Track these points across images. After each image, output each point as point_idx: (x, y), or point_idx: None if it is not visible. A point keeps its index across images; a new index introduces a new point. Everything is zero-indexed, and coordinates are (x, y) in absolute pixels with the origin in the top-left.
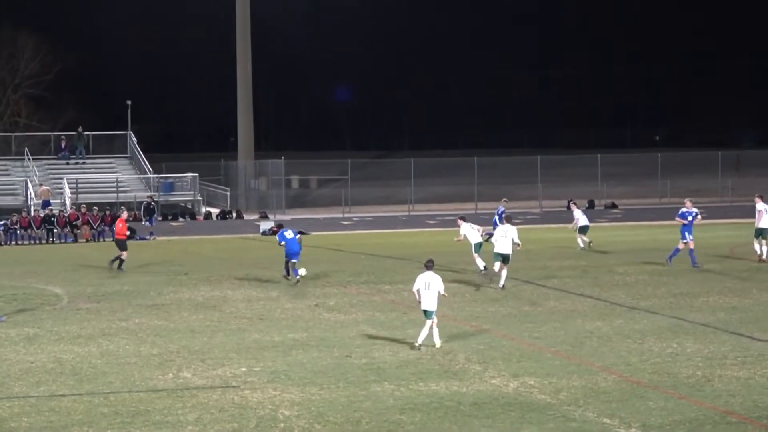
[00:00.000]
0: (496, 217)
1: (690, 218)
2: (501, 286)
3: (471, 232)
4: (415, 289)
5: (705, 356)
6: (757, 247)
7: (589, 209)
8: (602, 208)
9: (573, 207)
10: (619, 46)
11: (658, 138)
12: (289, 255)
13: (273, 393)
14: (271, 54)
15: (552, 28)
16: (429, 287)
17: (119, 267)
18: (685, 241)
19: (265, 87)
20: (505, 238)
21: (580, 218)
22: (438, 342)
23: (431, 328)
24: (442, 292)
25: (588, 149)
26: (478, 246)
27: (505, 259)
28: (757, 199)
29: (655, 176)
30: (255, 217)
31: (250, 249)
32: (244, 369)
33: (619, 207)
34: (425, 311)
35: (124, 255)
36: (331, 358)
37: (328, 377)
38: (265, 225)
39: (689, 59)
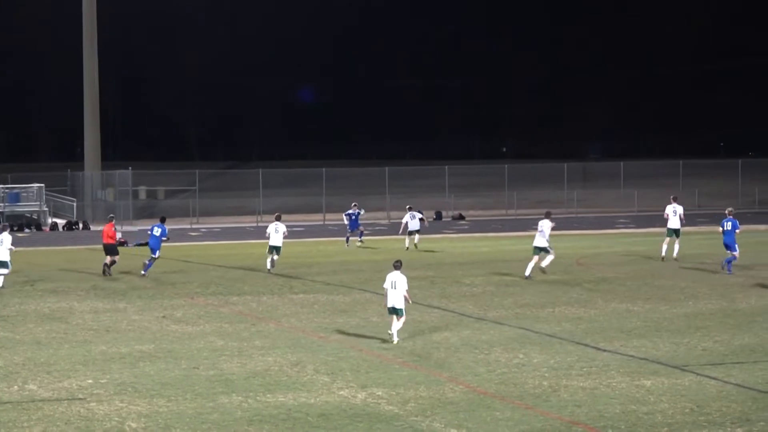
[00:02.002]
0: (345, 218)
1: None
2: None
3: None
4: (384, 286)
5: (551, 367)
6: (663, 247)
7: (437, 220)
8: (449, 219)
9: (408, 212)
10: (469, 58)
11: (505, 149)
12: (150, 249)
13: (120, 405)
14: (119, 63)
15: (404, 39)
16: (395, 286)
17: (108, 272)
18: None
19: (114, 96)
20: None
21: (410, 222)
22: (396, 339)
23: (396, 322)
24: (406, 293)
25: (436, 160)
26: None
27: (536, 251)
28: (672, 200)
29: (503, 188)
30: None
31: (96, 260)
32: (90, 381)
33: (467, 218)
34: (391, 308)
35: (116, 259)
36: (178, 369)
37: (175, 389)
38: None
39: (539, 72)
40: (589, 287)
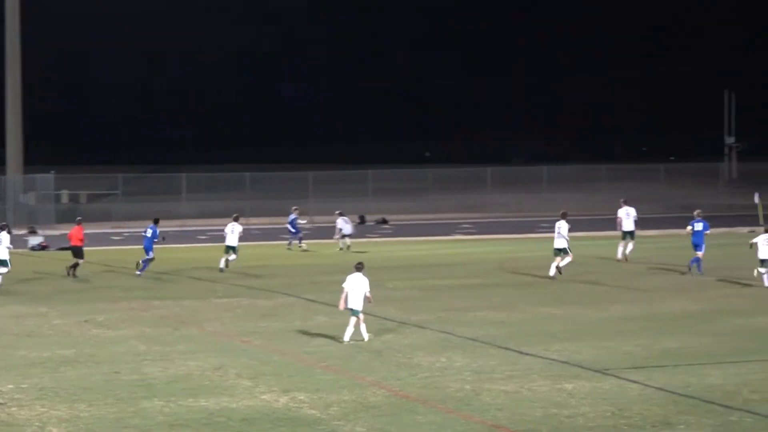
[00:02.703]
0: (289, 225)
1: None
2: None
3: None
4: (344, 286)
5: (473, 370)
6: (620, 249)
7: (361, 224)
8: (373, 223)
9: (341, 217)
10: (395, 61)
11: (428, 154)
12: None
13: (41, 410)
14: (43, 64)
15: (326, 41)
16: (355, 288)
17: (74, 274)
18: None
19: (38, 98)
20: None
21: (345, 227)
22: (366, 336)
23: (356, 325)
24: (368, 294)
25: (360, 165)
26: None
27: (557, 252)
28: (622, 204)
29: (426, 192)
30: (24, 232)
31: (18, 264)
32: (11, 386)
33: (390, 222)
34: (351, 309)
35: (81, 262)
36: (100, 374)
37: (96, 394)
38: (34, 240)
39: (464, 76)
40: (512, 291)
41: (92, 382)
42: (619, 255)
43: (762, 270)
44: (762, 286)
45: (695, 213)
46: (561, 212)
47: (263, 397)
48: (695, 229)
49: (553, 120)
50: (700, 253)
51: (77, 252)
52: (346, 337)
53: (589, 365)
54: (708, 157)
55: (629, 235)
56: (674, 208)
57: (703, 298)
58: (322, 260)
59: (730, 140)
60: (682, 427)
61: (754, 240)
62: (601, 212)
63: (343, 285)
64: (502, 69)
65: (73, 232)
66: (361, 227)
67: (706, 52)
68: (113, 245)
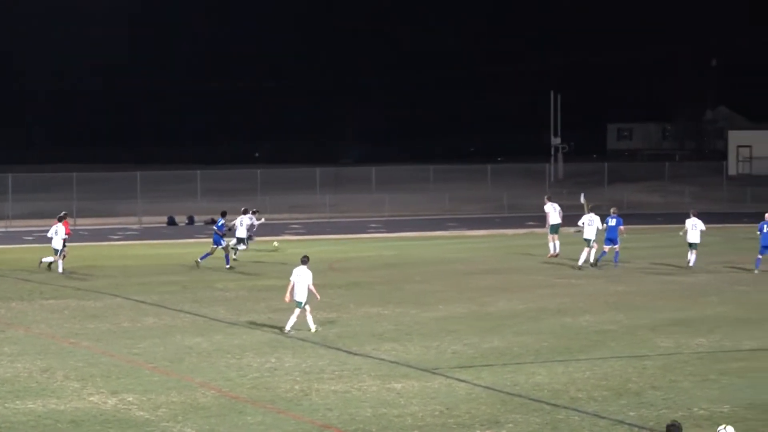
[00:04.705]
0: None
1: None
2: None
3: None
4: (291, 278)
5: (303, 370)
6: (551, 245)
7: (189, 225)
8: (202, 224)
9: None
10: (220, 63)
11: (258, 154)
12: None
13: None
14: None
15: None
16: (299, 280)
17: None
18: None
19: None
20: (591, 226)
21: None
22: (313, 327)
23: (299, 316)
24: (311, 286)
25: (189, 165)
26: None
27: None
28: (546, 200)
29: (255, 193)
30: None
31: None
32: None
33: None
34: (296, 301)
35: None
36: None
37: None
38: None
39: (294, 76)
40: (341, 291)
41: None
42: (551, 250)
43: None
44: (591, 284)
45: (611, 210)
46: (591, 206)
47: (91, 398)
48: (609, 224)
49: (385, 121)
50: (616, 247)
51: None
52: (288, 327)
53: (417, 365)
54: (535, 158)
55: (555, 230)
56: (502, 208)
57: (531, 298)
58: (151, 261)
59: (556, 141)
60: (510, 425)
61: (685, 227)
62: (429, 213)
63: (291, 278)
64: (337, 69)
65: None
66: (190, 228)
67: (536, 51)
68: None
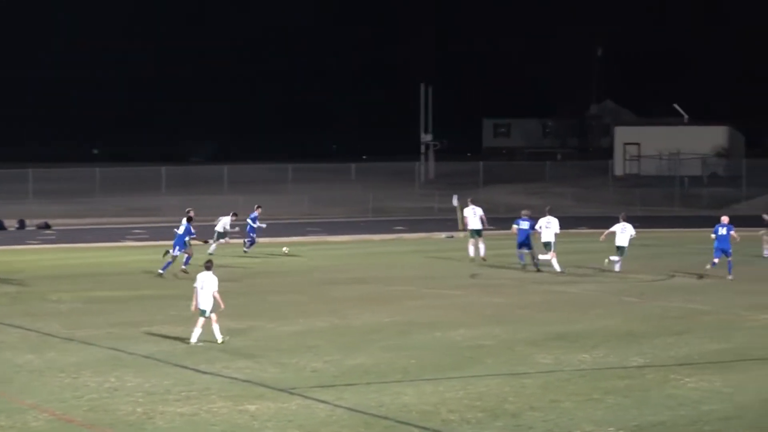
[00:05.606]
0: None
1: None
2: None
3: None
4: (195, 285)
5: (146, 391)
6: (470, 248)
7: (20, 230)
8: (34, 228)
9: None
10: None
11: (96, 152)
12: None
13: None
14: None
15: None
16: (203, 287)
17: None
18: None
19: None
20: (549, 228)
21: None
22: (219, 338)
23: (204, 326)
24: (216, 294)
25: (20, 163)
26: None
27: (548, 246)
28: (468, 203)
29: (94, 194)
30: None
31: None
32: None
33: (53, 227)
34: (201, 310)
35: None
36: None
37: None
38: None
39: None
40: (189, 303)
41: None
42: (471, 253)
43: (614, 258)
44: (466, 295)
45: (522, 212)
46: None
47: None
48: (520, 227)
49: (240, 117)
50: (530, 251)
51: None
52: (194, 339)
53: (273, 384)
54: (404, 157)
55: (477, 233)
56: (367, 211)
57: (399, 310)
58: None
59: (426, 138)
60: None
61: (611, 229)
62: (288, 217)
63: (195, 284)
64: (185, 63)
65: None
66: (21, 233)
67: (405, 40)
68: None
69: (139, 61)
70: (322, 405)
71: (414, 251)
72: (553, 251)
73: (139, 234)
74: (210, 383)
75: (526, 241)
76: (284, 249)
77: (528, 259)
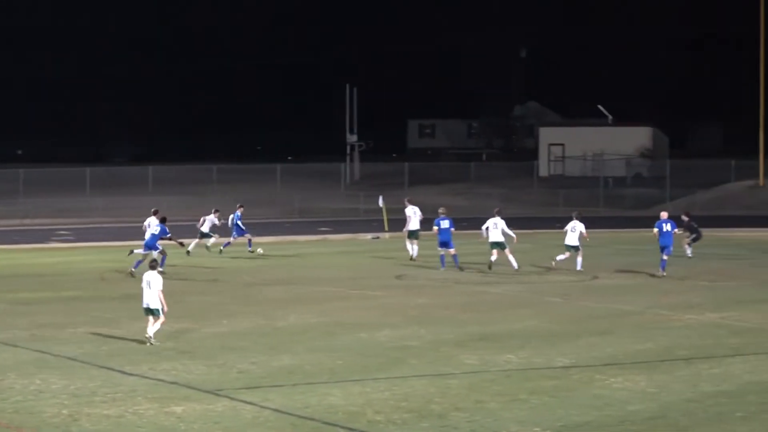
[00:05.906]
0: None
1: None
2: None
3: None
4: (142, 285)
5: (72, 393)
6: (409, 247)
7: None
8: None
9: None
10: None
11: (20, 152)
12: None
13: None
14: None
15: None
16: (150, 286)
17: None
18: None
19: None
20: (497, 229)
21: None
22: (151, 333)
23: (152, 324)
24: (160, 294)
25: None
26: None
27: (500, 245)
28: (407, 203)
29: (17, 195)
30: None
31: None
32: None
33: None
34: (146, 308)
35: None
36: None
37: None
38: None
39: (58, 70)
40: (114, 305)
41: None
42: (410, 251)
43: (561, 257)
44: (391, 296)
45: (440, 211)
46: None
47: None
48: (441, 227)
49: (159, 116)
50: (452, 250)
51: None
52: (152, 340)
53: (199, 385)
54: (329, 157)
55: (413, 234)
56: (293, 212)
57: (325, 311)
58: None
59: (352, 138)
60: None
61: (565, 228)
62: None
63: (142, 284)
64: (115, 63)
65: None
66: None
67: (329, 41)
68: None
69: (61, 61)
70: (248, 406)
71: (340, 252)
72: (508, 249)
73: (64, 235)
74: (136, 385)
75: (448, 239)
76: (258, 250)
77: (449, 259)
